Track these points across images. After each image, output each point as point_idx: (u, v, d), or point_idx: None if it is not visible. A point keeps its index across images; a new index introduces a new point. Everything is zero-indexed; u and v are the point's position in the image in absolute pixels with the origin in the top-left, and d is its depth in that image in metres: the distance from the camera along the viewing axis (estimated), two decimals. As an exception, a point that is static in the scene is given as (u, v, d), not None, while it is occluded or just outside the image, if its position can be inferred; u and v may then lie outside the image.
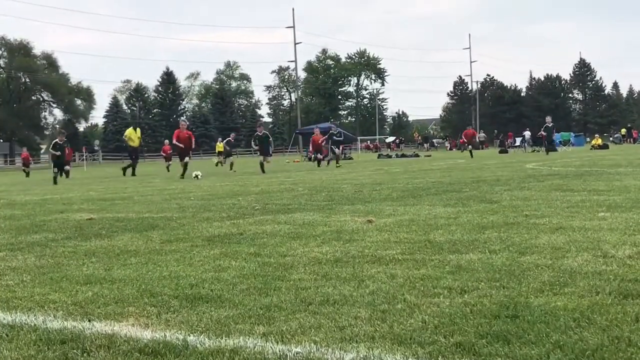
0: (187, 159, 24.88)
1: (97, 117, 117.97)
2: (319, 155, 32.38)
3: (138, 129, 32.68)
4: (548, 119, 34.91)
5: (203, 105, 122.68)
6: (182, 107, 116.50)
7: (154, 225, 8.27)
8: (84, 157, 59.32)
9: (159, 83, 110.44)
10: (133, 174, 30.63)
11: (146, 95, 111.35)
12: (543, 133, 35.28)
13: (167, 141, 43.08)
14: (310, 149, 35.10)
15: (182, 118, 30.62)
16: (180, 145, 25.20)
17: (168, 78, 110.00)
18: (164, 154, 42.12)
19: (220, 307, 3.97)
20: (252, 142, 28.93)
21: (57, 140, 26.28)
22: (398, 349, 3.09)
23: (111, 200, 12.99)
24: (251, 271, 5.01)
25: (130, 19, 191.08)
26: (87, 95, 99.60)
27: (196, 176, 22.12)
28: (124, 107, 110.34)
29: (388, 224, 7.52)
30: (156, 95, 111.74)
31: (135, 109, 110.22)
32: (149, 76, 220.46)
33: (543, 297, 3.88)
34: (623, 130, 79.54)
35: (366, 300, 3.97)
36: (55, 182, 23.25)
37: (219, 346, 3.23)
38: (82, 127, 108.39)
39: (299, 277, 4.73)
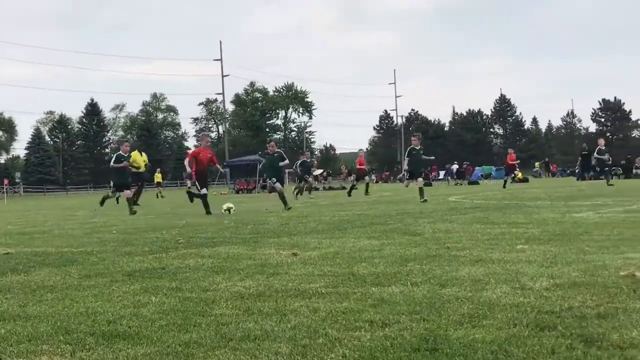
0: (204, 190, 18.40)
1: (19, 148, 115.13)
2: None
3: (144, 153, 30.85)
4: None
5: (129, 136, 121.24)
6: (107, 138, 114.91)
7: (73, 260, 8.06)
8: (5, 190, 57.80)
9: (83, 114, 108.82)
10: (136, 202, 28.05)
11: (70, 126, 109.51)
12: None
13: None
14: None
15: (204, 132, 27.69)
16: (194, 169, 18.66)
17: (92, 109, 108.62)
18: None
19: (138, 344, 3.87)
20: (296, 167, 29.46)
21: None
22: (318, 384, 3.06)
23: (30, 234, 12.65)
24: (171, 307, 4.91)
25: (55, 50, 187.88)
26: (8, 127, 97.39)
27: (228, 210, 17.11)
28: (47, 138, 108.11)
29: (313, 257, 7.51)
30: (80, 126, 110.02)
31: (58, 140, 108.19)
32: (74, 107, 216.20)
33: (462, 329, 3.90)
34: (537, 164, 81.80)
35: (287, 335, 3.93)
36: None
37: (135, 384, 3.15)
38: (2, 159, 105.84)
39: (220, 312, 4.66)
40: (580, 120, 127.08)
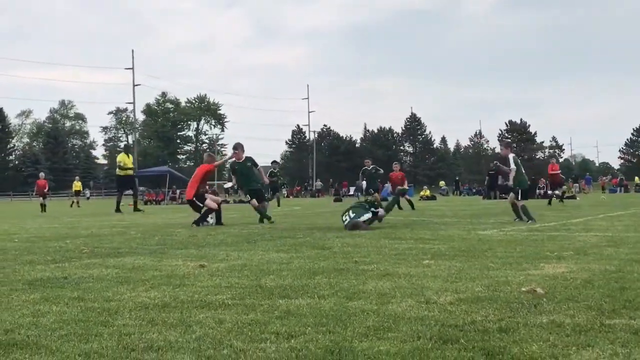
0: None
1: None
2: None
3: (130, 155, 28.37)
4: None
5: (34, 144, 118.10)
6: (12, 145, 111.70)
7: (-29, 268, 7.77)
8: None
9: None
10: (136, 208, 27.72)
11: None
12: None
13: (42, 174, 37.71)
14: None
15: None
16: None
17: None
18: (38, 191, 35.64)
19: (36, 354, 3.75)
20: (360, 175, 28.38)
21: None
22: (221, 395, 3.02)
23: None
24: (72, 316, 4.78)
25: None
26: None
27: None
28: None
29: (220, 268, 7.43)
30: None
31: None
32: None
33: (367, 341, 3.92)
34: (442, 183, 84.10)
35: (192, 346, 3.87)
36: None
37: (30, 396, 3.04)
38: None
39: (123, 322, 4.56)
40: (487, 141, 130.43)
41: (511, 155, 17.07)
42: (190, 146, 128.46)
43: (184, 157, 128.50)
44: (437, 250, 9.12)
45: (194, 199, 16.88)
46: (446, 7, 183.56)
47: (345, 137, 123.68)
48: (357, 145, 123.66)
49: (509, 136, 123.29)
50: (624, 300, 5.11)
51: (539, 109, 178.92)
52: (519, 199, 16.28)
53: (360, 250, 9.32)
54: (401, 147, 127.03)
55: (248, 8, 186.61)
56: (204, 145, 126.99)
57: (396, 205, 23.09)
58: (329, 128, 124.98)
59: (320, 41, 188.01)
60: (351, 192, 70.37)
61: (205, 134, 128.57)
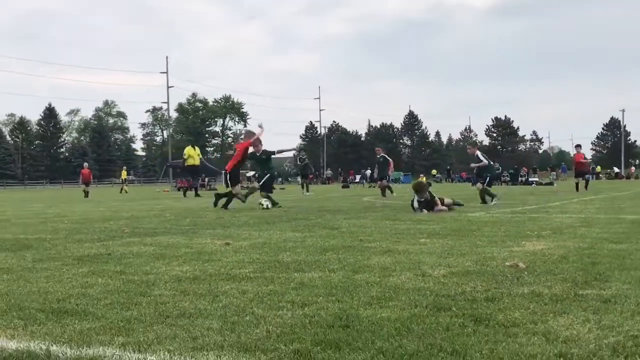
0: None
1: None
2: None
3: (197, 147, 27.69)
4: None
5: (82, 138, 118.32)
6: (63, 139, 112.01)
7: (28, 246, 7.80)
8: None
9: (41, 117, 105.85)
10: (197, 194, 26.57)
11: (29, 128, 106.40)
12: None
13: (86, 164, 36.33)
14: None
15: (260, 123, 21.35)
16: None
17: (50, 113, 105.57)
18: (83, 179, 34.37)
19: (84, 320, 3.76)
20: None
21: None
22: (244, 355, 3.02)
23: (-11, 222, 12.20)
24: (115, 287, 4.79)
25: (9, 58, 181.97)
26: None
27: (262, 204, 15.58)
28: (8, 138, 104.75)
29: (244, 246, 7.44)
30: (38, 128, 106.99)
31: (18, 140, 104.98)
32: (33, 111, 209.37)
33: (371, 309, 3.92)
34: (434, 171, 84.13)
35: (218, 313, 3.87)
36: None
37: (79, 355, 3.05)
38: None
39: (159, 292, 4.57)
40: (476, 135, 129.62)
41: (478, 152, 17.24)
42: (217, 140, 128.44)
43: (211, 149, 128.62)
44: (432, 230, 9.10)
45: (229, 172, 16.47)
46: (440, 17, 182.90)
47: (352, 132, 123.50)
48: (362, 139, 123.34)
49: (495, 130, 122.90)
50: (595, 273, 5.09)
51: (521, 106, 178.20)
52: (485, 185, 16.53)
53: (365, 230, 9.30)
54: (401, 141, 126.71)
55: (267, 19, 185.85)
56: (229, 139, 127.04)
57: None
58: (338, 124, 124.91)
59: (330, 48, 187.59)
60: (357, 180, 70.31)
61: (230, 129, 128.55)
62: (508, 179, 54.07)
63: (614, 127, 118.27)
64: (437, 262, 5.90)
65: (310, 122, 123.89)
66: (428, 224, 10.25)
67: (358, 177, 71.86)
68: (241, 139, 17.74)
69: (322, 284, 4.81)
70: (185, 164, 27.43)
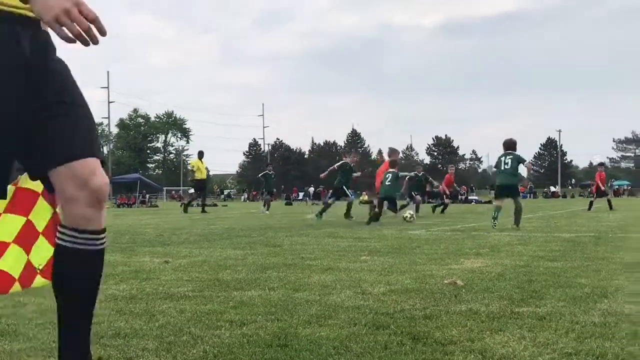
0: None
1: None
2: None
3: (203, 161, 26.34)
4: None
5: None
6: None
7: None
8: None
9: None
10: (203, 210, 25.62)
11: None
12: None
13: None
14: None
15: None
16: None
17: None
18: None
19: (14, 341, 3.63)
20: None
21: None
22: (179, 377, 2.96)
23: None
24: (49, 307, 4.64)
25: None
26: None
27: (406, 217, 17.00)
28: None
29: (183, 264, 7.33)
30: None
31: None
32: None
33: (310, 328, 3.89)
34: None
35: (155, 333, 3.79)
36: None
37: (7, 379, 2.94)
38: None
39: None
40: (417, 153, 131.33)
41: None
42: (159, 156, 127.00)
43: (153, 165, 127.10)
44: (373, 248, 9.14)
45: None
46: (386, 36, 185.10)
47: (296, 149, 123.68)
48: (305, 156, 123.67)
49: (436, 149, 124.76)
50: (531, 290, 5.18)
51: (462, 126, 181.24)
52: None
53: (306, 247, 9.29)
54: (343, 159, 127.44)
55: (213, 34, 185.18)
56: (170, 155, 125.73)
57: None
58: (282, 141, 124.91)
59: (275, 65, 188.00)
60: (300, 197, 70.40)
61: (172, 146, 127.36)
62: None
63: (550, 147, 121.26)
64: (377, 279, 5.92)
65: (254, 139, 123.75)
66: (369, 241, 10.31)
67: (301, 194, 71.93)
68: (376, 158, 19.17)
69: (261, 302, 4.77)
70: (193, 178, 26.45)
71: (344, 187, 19.75)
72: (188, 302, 4.85)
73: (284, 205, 47.52)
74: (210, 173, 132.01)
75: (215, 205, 46.84)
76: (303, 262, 7.40)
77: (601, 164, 27.14)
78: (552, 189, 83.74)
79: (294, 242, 10.24)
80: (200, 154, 26.67)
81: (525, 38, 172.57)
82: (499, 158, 14.28)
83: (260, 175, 29.32)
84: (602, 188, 25.41)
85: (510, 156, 14.02)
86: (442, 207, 24.80)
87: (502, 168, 14.07)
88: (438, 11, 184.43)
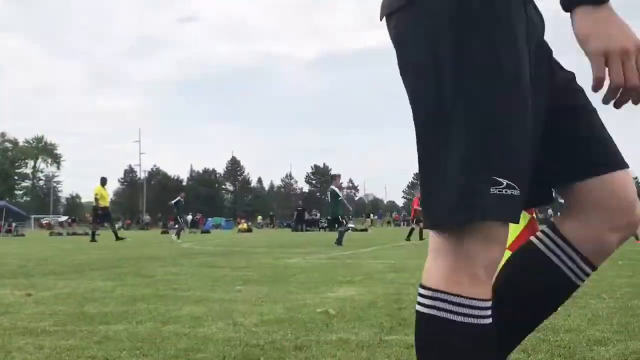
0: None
1: None
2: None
3: (105, 188, 24.98)
4: None
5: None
6: None
7: None
8: None
9: None
10: (117, 238, 24.25)
11: None
12: None
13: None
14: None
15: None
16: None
17: None
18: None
19: None
20: None
21: None
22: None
23: None
24: None
25: None
26: None
27: None
28: None
29: (46, 297, 6.95)
30: None
31: None
32: None
33: (177, 362, 3.77)
34: (259, 217, 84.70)
35: (8, 373, 3.55)
36: None
37: None
38: None
39: (-59, 351, 4.11)
40: (296, 181, 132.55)
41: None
42: (27, 182, 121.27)
43: (21, 192, 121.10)
44: (249, 277, 9.05)
45: None
46: (266, 66, 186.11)
47: (173, 176, 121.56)
48: (183, 183, 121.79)
49: (314, 178, 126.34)
50: (400, 318, 5.27)
51: (339, 155, 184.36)
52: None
53: (180, 278, 9.06)
54: (223, 186, 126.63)
55: (86, 58, 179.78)
56: (40, 182, 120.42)
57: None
58: (159, 168, 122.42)
59: (153, 91, 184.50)
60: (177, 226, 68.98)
61: (42, 172, 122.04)
62: (325, 224, 55.35)
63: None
64: (250, 310, 5.85)
65: (130, 165, 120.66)
66: (245, 270, 10.21)
67: (179, 222, 70.52)
68: None
69: (127, 336, 4.57)
70: (97, 205, 25.02)
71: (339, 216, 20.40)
72: (48, 337, 4.59)
73: (160, 234, 46.36)
74: (83, 200, 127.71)
75: (87, 233, 45.06)
76: (175, 293, 7.20)
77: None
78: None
79: (168, 272, 9.98)
80: (103, 181, 25.68)
81: (385, 70, 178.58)
82: None
83: (172, 202, 28.48)
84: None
85: None
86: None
87: None
88: (314, 43, 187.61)
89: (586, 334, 4.49)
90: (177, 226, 27.81)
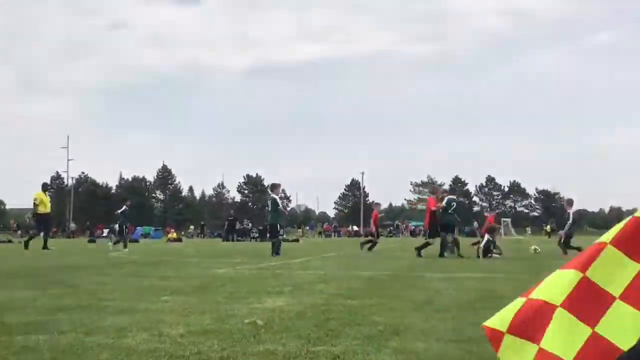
0: None
1: None
2: None
3: (47, 194, 23.63)
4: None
5: None
6: None
7: None
8: None
9: None
10: (45, 246, 22.57)
11: None
12: None
13: None
14: None
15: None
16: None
17: None
18: None
19: None
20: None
21: None
22: None
23: None
24: None
25: None
26: None
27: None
28: None
29: (-37, 307, 6.68)
30: None
31: None
32: None
33: (99, 374, 3.67)
34: (191, 227, 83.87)
35: None
36: None
37: None
38: None
39: None
40: (228, 191, 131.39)
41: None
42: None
43: None
44: (177, 287, 8.92)
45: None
46: (199, 75, 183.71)
47: (102, 184, 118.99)
48: (112, 191, 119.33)
49: (247, 187, 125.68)
50: (327, 329, 5.27)
51: (272, 165, 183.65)
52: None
53: (105, 287, 8.86)
54: (153, 195, 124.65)
55: (9, 61, 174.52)
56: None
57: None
58: (87, 175, 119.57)
59: (81, 97, 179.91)
60: (105, 234, 67.50)
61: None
62: (257, 235, 55.12)
63: (354, 188, 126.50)
64: (177, 320, 5.75)
65: (57, 172, 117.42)
66: (173, 280, 10.06)
67: (106, 231, 69.01)
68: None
69: (48, 348, 4.43)
70: (36, 212, 23.83)
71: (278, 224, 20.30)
72: (-37, 349, 4.41)
73: (87, 243, 45.26)
74: (7, 207, 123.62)
75: (11, 241, 43.70)
76: (99, 303, 7.03)
77: (377, 204, 26.37)
78: (355, 228, 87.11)
79: (92, 282, 9.74)
80: (44, 186, 24.81)
81: (330, 82, 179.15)
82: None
83: (119, 211, 27.51)
84: (374, 228, 24.60)
85: None
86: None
87: None
88: (247, 53, 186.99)
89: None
90: (122, 235, 27.02)
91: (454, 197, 20.78)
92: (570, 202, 21.13)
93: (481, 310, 6.36)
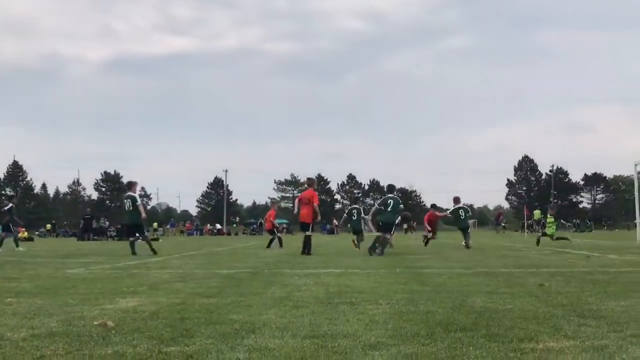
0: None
1: None
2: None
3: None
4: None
5: None
6: None
7: None
8: None
9: None
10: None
11: None
12: None
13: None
14: None
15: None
16: None
17: None
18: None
19: None
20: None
21: None
22: None
23: None
24: None
25: None
26: None
27: None
28: None
29: None
30: None
31: None
32: None
33: None
34: (48, 226, 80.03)
35: None
36: None
37: None
38: None
39: None
40: (84, 189, 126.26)
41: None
42: None
43: None
44: (22, 289, 8.42)
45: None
46: (53, 67, 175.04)
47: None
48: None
49: (104, 185, 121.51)
50: (182, 329, 5.14)
51: (132, 162, 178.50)
52: None
53: (-59, 290, 8.21)
54: (2, 192, 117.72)
55: None
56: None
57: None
58: None
59: None
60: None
61: None
62: (114, 233, 53.33)
63: (217, 186, 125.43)
64: (20, 324, 5.42)
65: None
66: (19, 281, 9.51)
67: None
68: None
69: None
70: None
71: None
72: None
73: None
74: None
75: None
76: None
77: (274, 201, 27.69)
78: (218, 226, 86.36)
79: None
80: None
81: (195, 80, 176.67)
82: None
83: (6, 208, 25.32)
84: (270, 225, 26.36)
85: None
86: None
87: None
88: (107, 45, 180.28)
89: (362, 339, 4.67)
90: (11, 234, 25.31)
91: (394, 195, 20.72)
92: (456, 200, 24.05)
93: (339, 305, 6.45)
